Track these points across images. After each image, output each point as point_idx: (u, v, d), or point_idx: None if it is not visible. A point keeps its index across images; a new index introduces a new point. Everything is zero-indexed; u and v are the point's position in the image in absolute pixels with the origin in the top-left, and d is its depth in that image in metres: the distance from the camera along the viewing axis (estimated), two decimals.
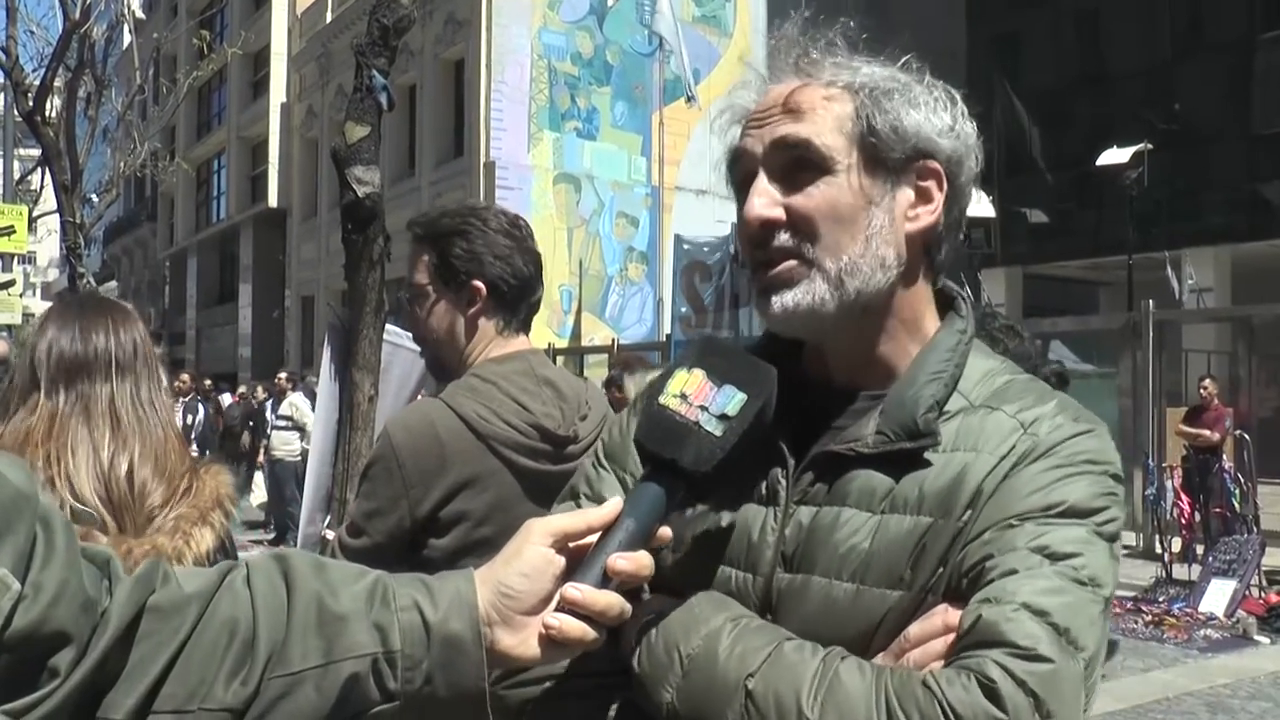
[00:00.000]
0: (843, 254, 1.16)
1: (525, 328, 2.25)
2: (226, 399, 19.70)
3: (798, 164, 1.18)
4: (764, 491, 1.20)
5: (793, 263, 1.17)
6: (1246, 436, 11.53)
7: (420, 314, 2.24)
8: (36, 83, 15.28)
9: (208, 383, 19.06)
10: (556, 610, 0.96)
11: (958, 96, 1.23)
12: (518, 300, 2.20)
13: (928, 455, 1.15)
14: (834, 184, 1.17)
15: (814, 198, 1.17)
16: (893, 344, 1.23)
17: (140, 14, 18.41)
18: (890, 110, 1.18)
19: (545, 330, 22.54)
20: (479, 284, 2.16)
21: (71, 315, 1.91)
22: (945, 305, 1.29)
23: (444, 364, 2.27)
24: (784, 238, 1.17)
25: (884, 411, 1.17)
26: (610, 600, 0.96)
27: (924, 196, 1.20)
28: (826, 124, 1.18)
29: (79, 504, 1.72)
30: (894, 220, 1.19)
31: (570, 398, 2.18)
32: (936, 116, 1.20)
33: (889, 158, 1.18)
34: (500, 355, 2.18)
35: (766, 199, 1.17)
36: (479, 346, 2.20)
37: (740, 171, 1.23)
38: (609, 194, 25.59)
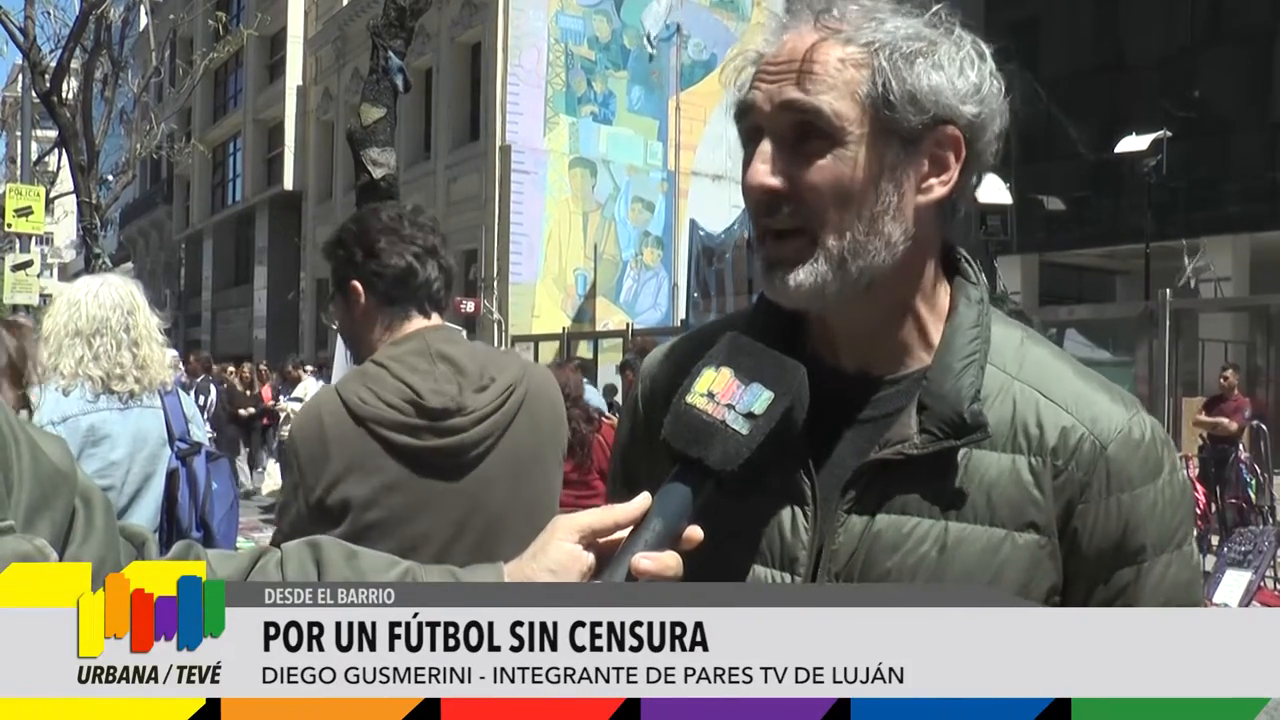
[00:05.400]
0: (847, 232, 1.09)
1: (423, 310, 2.29)
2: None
3: (806, 130, 1.09)
4: (787, 487, 1.15)
5: (797, 240, 1.11)
6: (1264, 427, 11.45)
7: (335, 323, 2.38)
8: (53, 64, 15.33)
9: (262, 367, 18.65)
10: None
11: (987, 52, 1.14)
12: (397, 289, 2.26)
13: (984, 451, 1.12)
14: (843, 157, 1.08)
15: (822, 172, 1.09)
16: (903, 317, 1.18)
17: None
18: (910, 76, 1.09)
19: (559, 313, 22.52)
20: (355, 283, 2.26)
21: None
22: (948, 264, 1.21)
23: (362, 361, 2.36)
24: (787, 212, 1.10)
25: (925, 408, 1.12)
26: None
27: (939, 165, 1.12)
28: (840, 90, 1.08)
29: None
30: (904, 194, 1.11)
31: (470, 371, 2.21)
32: (962, 79, 1.11)
33: (904, 127, 1.09)
34: (398, 338, 2.25)
35: (769, 166, 1.10)
36: (379, 337, 2.28)
37: (748, 124, 1.14)
38: (625, 179, 25.53)
